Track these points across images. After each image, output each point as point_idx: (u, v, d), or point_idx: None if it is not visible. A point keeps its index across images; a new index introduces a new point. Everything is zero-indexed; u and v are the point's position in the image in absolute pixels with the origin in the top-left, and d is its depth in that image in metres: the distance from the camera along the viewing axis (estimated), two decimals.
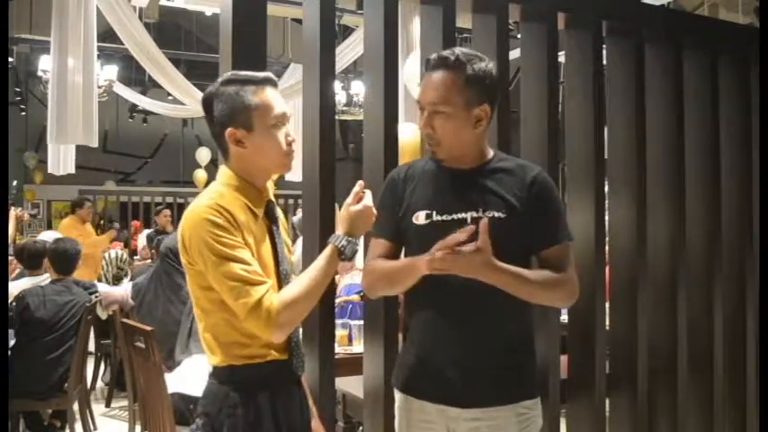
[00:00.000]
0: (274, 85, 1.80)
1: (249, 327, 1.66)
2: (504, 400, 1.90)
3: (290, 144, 1.79)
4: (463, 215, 1.89)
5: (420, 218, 1.93)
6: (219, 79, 1.80)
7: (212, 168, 11.94)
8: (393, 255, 1.98)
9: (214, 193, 1.73)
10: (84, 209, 7.59)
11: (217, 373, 1.76)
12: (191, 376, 3.02)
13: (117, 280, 5.58)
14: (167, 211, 8.88)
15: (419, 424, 1.95)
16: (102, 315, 4.87)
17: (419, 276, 1.84)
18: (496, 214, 1.88)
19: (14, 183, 8.62)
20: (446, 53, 1.91)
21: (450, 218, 1.90)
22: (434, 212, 1.92)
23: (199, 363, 3.06)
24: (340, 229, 1.75)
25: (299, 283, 1.70)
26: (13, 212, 6.82)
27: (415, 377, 1.97)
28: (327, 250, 1.73)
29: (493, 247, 1.76)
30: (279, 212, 1.89)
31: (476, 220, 1.85)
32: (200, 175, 12.46)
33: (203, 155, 12.83)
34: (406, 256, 1.96)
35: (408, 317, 2.03)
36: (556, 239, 1.94)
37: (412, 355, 1.98)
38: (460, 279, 1.80)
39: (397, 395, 2.04)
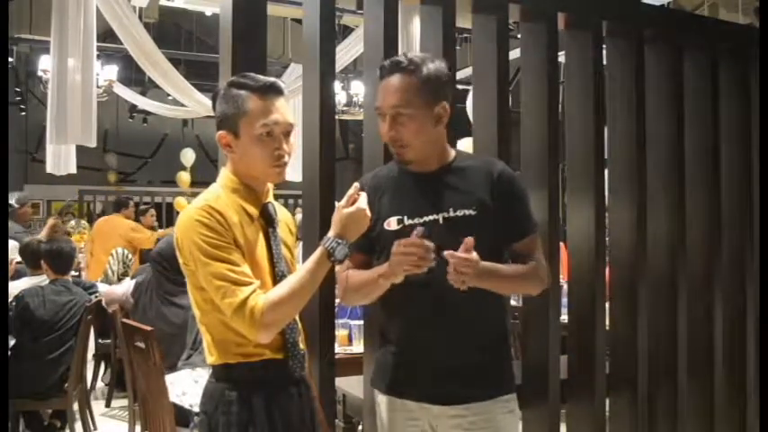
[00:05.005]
0: (278, 92, 1.77)
1: (235, 326, 1.67)
2: (483, 397, 1.94)
3: (279, 157, 1.75)
4: (434, 216, 1.92)
5: (392, 224, 1.95)
6: (228, 79, 1.81)
7: (199, 168, 12.01)
8: (364, 265, 1.98)
9: (209, 195, 1.75)
10: (129, 209, 7.58)
11: (214, 371, 1.77)
12: (191, 392, 3.00)
13: (124, 277, 5.59)
14: (153, 211, 8.89)
15: (404, 422, 1.98)
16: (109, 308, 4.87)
17: (386, 286, 1.86)
18: (467, 212, 1.91)
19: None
20: (399, 57, 1.94)
21: (421, 221, 1.91)
22: (405, 217, 1.94)
23: (201, 378, 3.03)
24: (331, 232, 1.74)
25: (286, 285, 1.71)
26: (51, 221, 6.86)
27: (396, 377, 2.00)
28: (317, 252, 1.72)
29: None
30: (281, 213, 1.88)
31: (447, 221, 1.89)
32: (184, 177, 12.36)
33: (188, 156, 12.74)
34: (381, 263, 1.91)
35: (384, 318, 2.05)
36: (526, 231, 1.99)
37: (390, 356, 2.01)
38: (434, 279, 1.80)
39: (378, 396, 2.06)
